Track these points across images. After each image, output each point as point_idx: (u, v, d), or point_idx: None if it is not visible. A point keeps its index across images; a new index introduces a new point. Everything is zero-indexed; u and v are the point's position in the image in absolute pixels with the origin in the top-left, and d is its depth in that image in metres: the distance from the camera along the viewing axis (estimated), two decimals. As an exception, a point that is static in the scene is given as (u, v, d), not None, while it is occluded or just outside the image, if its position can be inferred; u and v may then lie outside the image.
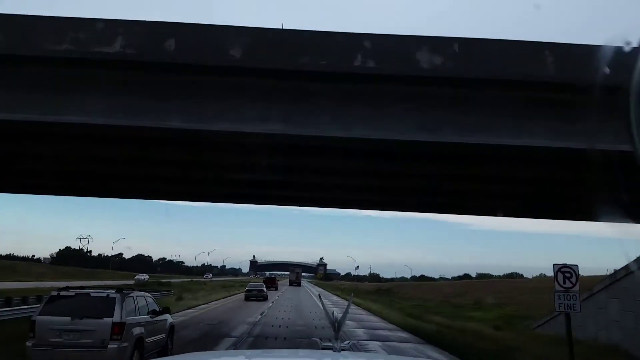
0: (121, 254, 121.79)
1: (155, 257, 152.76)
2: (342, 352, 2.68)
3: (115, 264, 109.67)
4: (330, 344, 2.78)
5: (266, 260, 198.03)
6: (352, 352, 3.27)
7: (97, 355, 8.46)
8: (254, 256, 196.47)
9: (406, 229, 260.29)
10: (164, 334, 11.03)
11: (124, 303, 8.97)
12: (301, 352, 4.80)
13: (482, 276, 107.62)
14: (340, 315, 3.35)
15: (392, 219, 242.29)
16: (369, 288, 74.81)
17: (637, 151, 1.19)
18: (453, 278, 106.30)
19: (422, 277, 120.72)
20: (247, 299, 35.53)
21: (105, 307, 8.70)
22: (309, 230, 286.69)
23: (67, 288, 9.70)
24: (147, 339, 9.73)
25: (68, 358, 8.44)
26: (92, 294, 9.44)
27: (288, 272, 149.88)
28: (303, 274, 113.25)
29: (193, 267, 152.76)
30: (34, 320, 8.57)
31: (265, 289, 38.36)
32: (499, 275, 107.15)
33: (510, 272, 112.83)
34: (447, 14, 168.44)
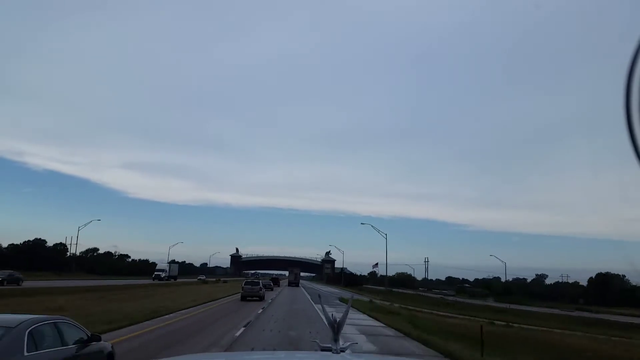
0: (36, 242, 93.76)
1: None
2: (342, 354, 2.67)
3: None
4: (329, 345, 2.85)
5: (253, 255, 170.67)
6: (351, 353, 3.22)
7: (257, 293, 39.01)
8: (237, 249, 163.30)
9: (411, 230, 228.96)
10: (264, 290, 41.83)
11: (260, 281, 40.45)
12: (299, 353, 5.09)
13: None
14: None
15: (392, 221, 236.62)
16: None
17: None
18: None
19: None
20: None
21: (258, 283, 39.91)
22: (310, 230, 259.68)
23: (250, 277, 41.58)
24: (265, 289, 41.19)
25: (250, 295, 38.83)
26: (254, 280, 42.15)
27: (278, 271, 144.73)
28: (302, 273, 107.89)
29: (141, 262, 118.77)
30: (243, 286, 39.17)
31: (272, 284, 69.29)
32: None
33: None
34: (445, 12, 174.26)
